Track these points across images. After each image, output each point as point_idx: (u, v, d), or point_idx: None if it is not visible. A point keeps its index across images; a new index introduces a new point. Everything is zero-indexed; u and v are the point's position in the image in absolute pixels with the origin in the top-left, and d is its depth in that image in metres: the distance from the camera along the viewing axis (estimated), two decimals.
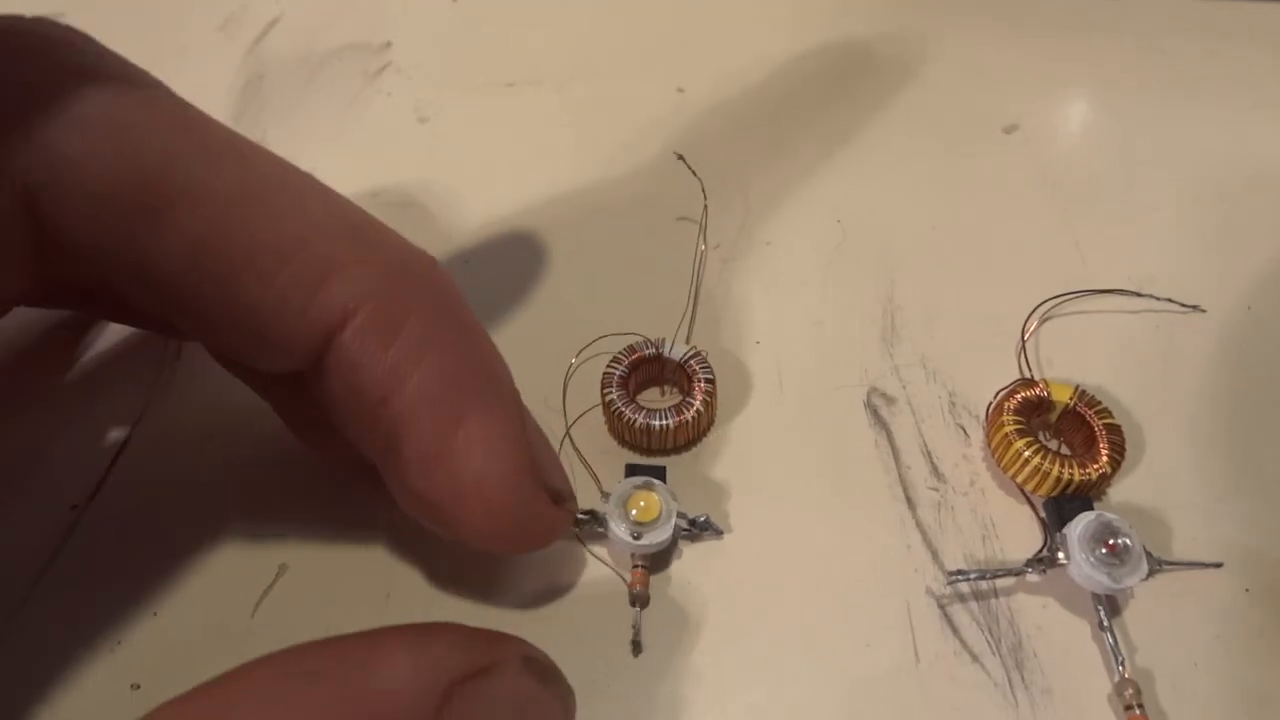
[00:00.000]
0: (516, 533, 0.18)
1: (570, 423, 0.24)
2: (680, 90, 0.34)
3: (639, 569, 0.21)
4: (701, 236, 0.28)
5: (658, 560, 0.21)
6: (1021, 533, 0.22)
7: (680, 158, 0.30)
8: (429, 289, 0.18)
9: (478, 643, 0.15)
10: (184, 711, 0.13)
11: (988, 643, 0.20)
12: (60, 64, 0.17)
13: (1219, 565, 0.21)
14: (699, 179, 0.29)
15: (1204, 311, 0.26)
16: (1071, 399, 0.23)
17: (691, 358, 0.24)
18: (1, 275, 0.17)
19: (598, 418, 0.24)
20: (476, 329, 0.19)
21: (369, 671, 0.14)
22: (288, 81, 0.36)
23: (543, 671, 0.16)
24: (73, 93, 0.17)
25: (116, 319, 0.26)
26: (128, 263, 0.17)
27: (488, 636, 0.15)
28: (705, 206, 0.28)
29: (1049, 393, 0.23)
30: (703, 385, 0.24)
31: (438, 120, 0.34)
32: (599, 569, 0.21)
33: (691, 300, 0.27)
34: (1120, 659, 0.19)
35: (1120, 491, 0.22)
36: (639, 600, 0.21)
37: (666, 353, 0.24)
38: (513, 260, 0.28)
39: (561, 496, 0.19)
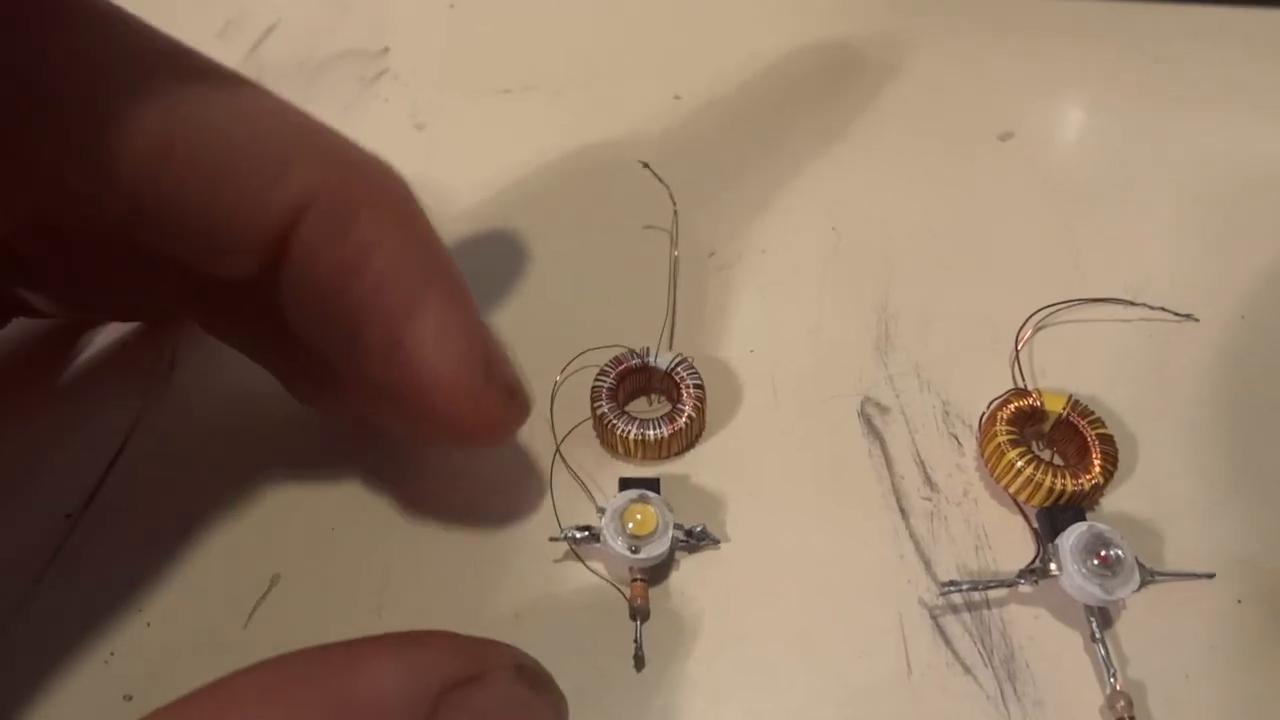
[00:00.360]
0: (474, 419, 0.19)
1: (560, 438, 0.24)
2: (677, 97, 0.34)
3: (638, 582, 0.21)
4: (673, 242, 0.28)
5: (656, 572, 0.22)
6: (1014, 543, 0.22)
7: (645, 165, 0.30)
8: (381, 184, 0.19)
9: (468, 650, 0.15)
10: (177, 716, 0.13)
11: (980, 654, 0.20)
12: None
13: (1211, 576, 0.21)
14: (666, 185, 0.29)
15: (1197, 321, 0.26)
16: (1064, 409, 0.23)
17: (678, 365, 0.24)
18: None
19: (587, 431, 0.24)
20: (427, 224, 0.19)
21: (358, 677, 0.14)
22: (285, 87, 0.35)
23: (534, 679, 0.16)
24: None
25: (105, 313, 0.26)
26: (90, 172, 0.17)
27: (478, 644, 0.15)
28: (675, 213, 0.29)
29: (1042, 403, 0.23)
30: (692, 392, 0.24)
31: (434, 126, 0.34)
32: (597, 584, 0.21)
33: (671, 307, 0.27)
34: (1112, 671, 0.19)
35: (1113, 501, 0.22)
36: (639, 614, 0.21)
37: (652, 361, 0.24)
38: (504, 268, 0.28)
39: (514, 389, 0.20)
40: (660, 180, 0.29)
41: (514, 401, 0.20)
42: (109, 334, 0.27)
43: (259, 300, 0.19)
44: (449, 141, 0.33)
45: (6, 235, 0.18)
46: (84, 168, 0.17)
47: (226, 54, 0.37)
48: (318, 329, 0.19)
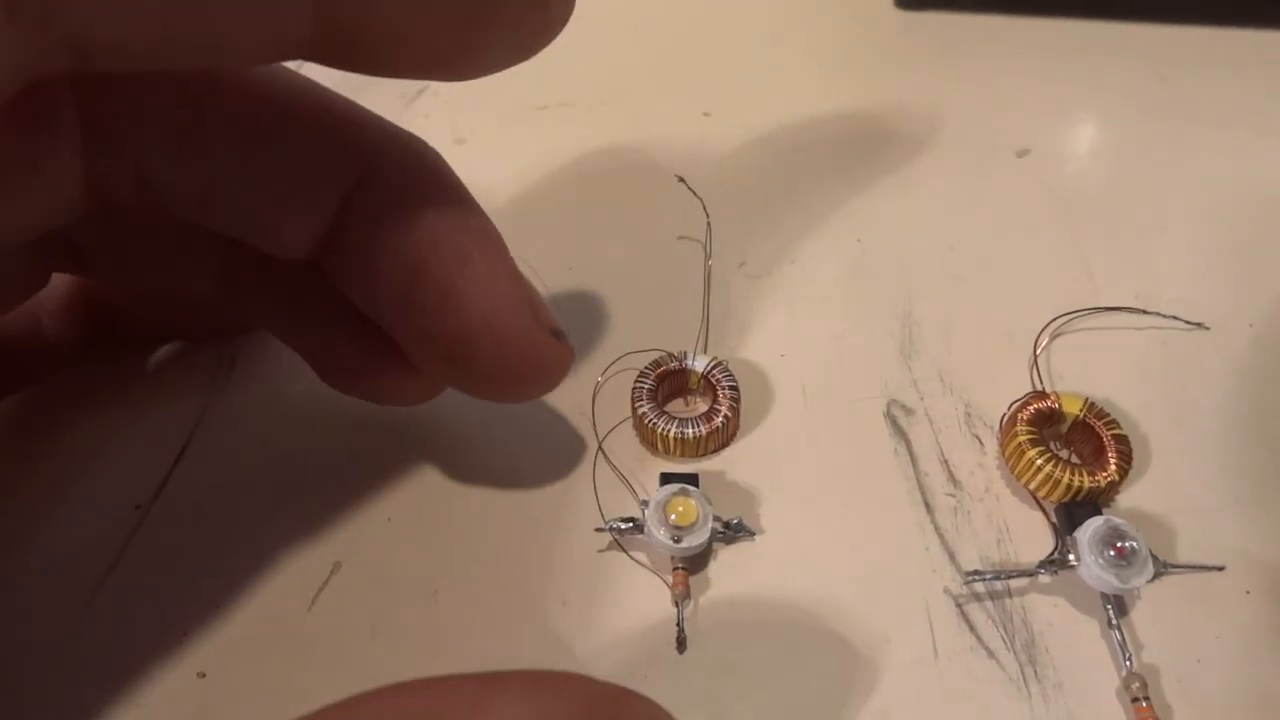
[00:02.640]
0: (525, 366, 0.21)
1: (603, 437, 0.25)
2: (706, 114, 0.36)
3: (679, 570, 0.22)
4: (707, 252, 0.30)
5: (695, 562, 0.23)
6: (1034, 537, 0.23)
7: (681, 180, 0.31)
8: (426, 154, 0.20)
9: (601, 699, 0.14)
10: None
11: (1002, 639, 0.21)
12: None
13: (1221, 568, 0.22)
14: (699, 198, 0.30)
15: (1207, 329, 0.27)
16: (1081, 411, 0.24)
17: (714, 368, 0.26)
18: (57, 165, 0.18)
19: (627, 430, 0.25)
20: (462, 186, 0.21)
21: (485, 716, 0.13)
22: None
23: None
24: None
25: (169, 331, 0.28)
26: (169, 155, 0.19)
27: (613, 694, 0.14)
28: (709, 225, 0.30)
29: (1060, 405, 0.24)
30: (728, 393, 0.25)
31: (474, 142, 0.35)
32: (640, 572, 0.23)
33: (705, 314, 0.28)
34: (1128, 655, 0.20)
35: (1128, 498, 0.24)
36: (681, 600, 0.22)
37: (690, 365, 0.26)
38: (543, 276, 0.30)
39: (558, 331, 0.22)
40: (694, 193, 0.30)
41: (560, 343, 0.21)
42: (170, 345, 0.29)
43: (310, 278, 0.21)
44: (488, 156, 0.35)
45: (72, 222, 0.19)
46: (165, 154, 0.19)
47: None
48: (372, 293, 0.20)
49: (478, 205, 0.21)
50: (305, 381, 0.26)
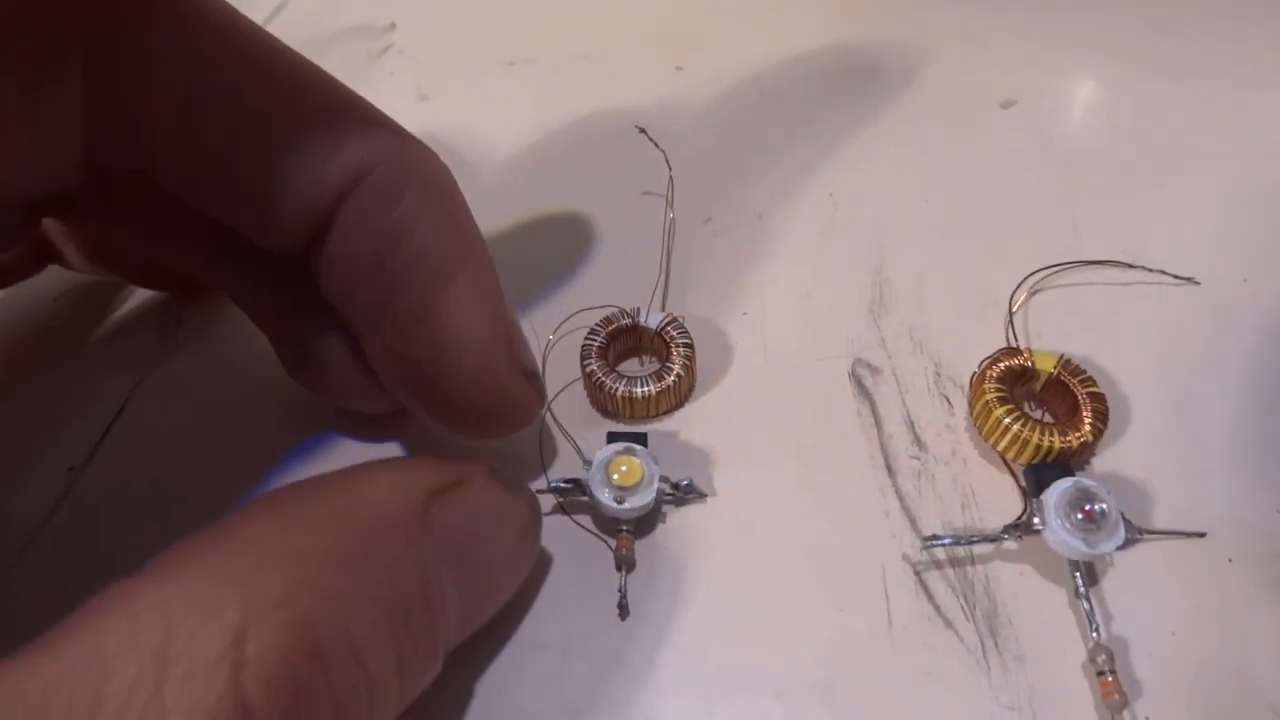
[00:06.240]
0: (490, 404, 0.20)
1: (552, 397, 0.24)
2: (679, 68, 0.34)
3: (624, 534, 0.21)
4: (668, 205, 0.28)
5: (643, 526, 0.22)
6: (1002, 501, 0.22)
7: (642, 131, 0.30)
8: (429, 164, 0.19)
9: (447, 464, 0.17)
10: (202, 536, 0.14)
11: (962, 609, 0.20)
12: None
13: (1202, 535, 0.21)
14: (662, 151, 0.29)
15: (1198, 284, 0.25)
16: (1055, 368, 0.22)
17: (668, 324, 0.24)
18: (60, 136, 0.18)
19: (578, 391, 0.24)
20: (466, 209, 0.20)
21: (358, 493, 0.16)
22: None
23: (508, 482, 0.18)
24: None
25: (132, 277, 0.27)
26: (163, 130, 0.18)
27: (456, 461, 0.18)
28: (670, 179, 0.29)
29: (1033, 362, 0.23)
30: (681, 350, 0.24)
31: (438, 98, 0.34)
32: (584, 536, 0.22)
33: (665, 269, 0.27)
34: (1095, 625, 0.19)
35: (1105, 462, 0.22)
36: (625, 564, 0.21)
37: (643, 321, 0.24)
38: (502, 232, 0.29)
39: (533, 374, 0.21)
40: (656, 145, 0.29)
41: (532, 385, 0.20)
42: (123, 294, 0.28)
43: (293, 270, 0.20)
44: (452, 112, 0.33)
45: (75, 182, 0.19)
46: (166, 134, 0.18)
47: None
48: (350, 298, 0.19)
49: (476, 230, 0.20)
50: (252, 350, 0.25)
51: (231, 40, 0.18)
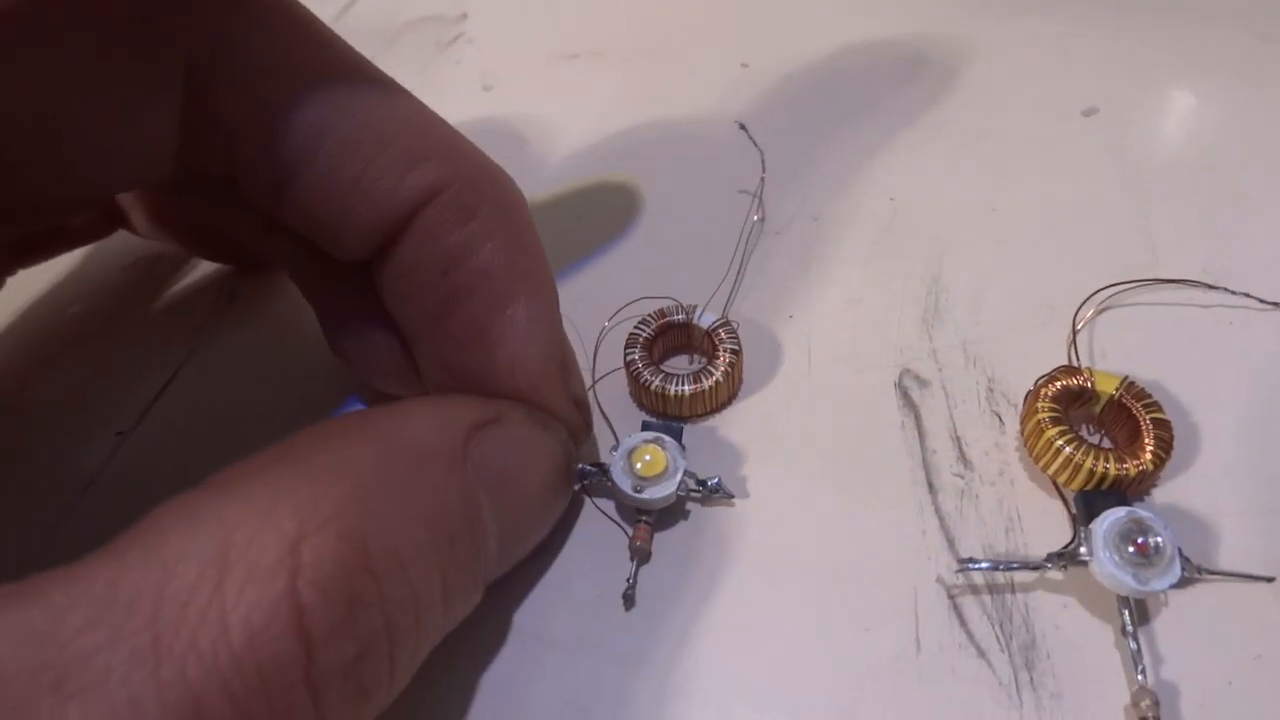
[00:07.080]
0: None
1: (596, 379, 0.24)
2: (744, 65, 0.33)
3: (643, 524, 0.21)
4: (757, 207, 0.27)
5: (665, 518, 0.21)
6: (1050, 529, 0.20)
7: (742, 127, 0.29)
8: (502, 186, 0.20)
9: (486, 401, 0.18)
10: (258, 457, 0.15)
11: (997, 638, 0.19)
12: None
13: (1270, 580, 0.19)
14: (759, 150, 0.28)
15: None
16: (1117, 390, 0.21)
17: (720, 327, 0.24)
18: (158, 141, 0.19)
19: (621, 379, 0.24)
20: (534, 233, 0.20)
21: (402, 424, 0.16)
22: (365, 50, 0.37)
23: (544, 421, 0.19)
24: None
25: (200, 250, 0.28)
26: (255, 140, 0.19)
27: (494, 399, 0.19)
28: (763, 179, 0.28)
29: (1093, 382, 0.21)
30: (726, 356, 0.23)
31: (501, 88, 0.34)
32: (604, 522, 0.21)
33: (738, 271, 0.26)
34: (1141, 667, 0.18)
35: (1167, 493, 0.21)
36: (639, 555, 0.20)
37: (696, 320, 0.24)
38: (563, 226, 0.28)
39: (581, 401, 0.21)
40: (754, 144, 0.28)
41: (581, 415, 0.21)
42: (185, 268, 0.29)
43: (359, 272, 0.20)
44: (513, 102, 0.33)
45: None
46: (256, 148, 0.19)
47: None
48: (409, 305, 0.20)
49: (543, 254, 0.20)
50: (302, 325, 0.25)
51: (323, 59, 0.19)
